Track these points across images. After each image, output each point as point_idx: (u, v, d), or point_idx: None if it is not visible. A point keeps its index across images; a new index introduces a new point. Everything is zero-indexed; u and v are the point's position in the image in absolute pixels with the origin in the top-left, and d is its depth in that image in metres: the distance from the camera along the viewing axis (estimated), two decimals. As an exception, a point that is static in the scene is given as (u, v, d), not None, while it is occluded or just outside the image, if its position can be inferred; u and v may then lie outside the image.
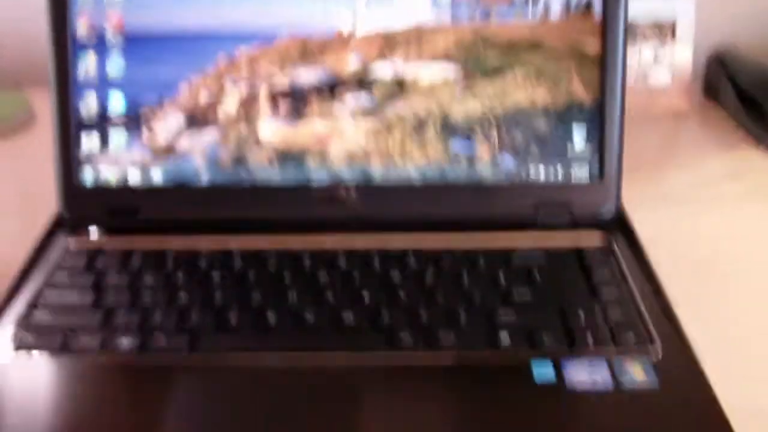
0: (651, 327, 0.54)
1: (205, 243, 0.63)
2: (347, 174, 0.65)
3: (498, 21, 0.65)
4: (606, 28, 0.63)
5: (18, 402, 0.50)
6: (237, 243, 0.63)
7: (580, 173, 0.64)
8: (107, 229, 0.65)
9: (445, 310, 0.56)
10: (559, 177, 0.64)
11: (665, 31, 0.89)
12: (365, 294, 0.57)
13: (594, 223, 0.64)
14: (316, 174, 0.65)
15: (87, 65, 0.65)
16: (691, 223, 0.70)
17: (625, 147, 0.64)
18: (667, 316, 0.55)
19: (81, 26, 0.64)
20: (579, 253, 0.61)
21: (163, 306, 0.57)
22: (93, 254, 0.62)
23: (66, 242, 0.64)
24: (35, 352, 0.53)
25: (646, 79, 0.90)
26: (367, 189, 0.64)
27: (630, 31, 0.89)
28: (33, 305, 0.57)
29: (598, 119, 0.64)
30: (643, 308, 0.56)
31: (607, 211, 0.64)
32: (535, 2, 0.64)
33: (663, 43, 0.90)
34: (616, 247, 0.62)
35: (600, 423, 0.48)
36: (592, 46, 0.63)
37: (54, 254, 0.62)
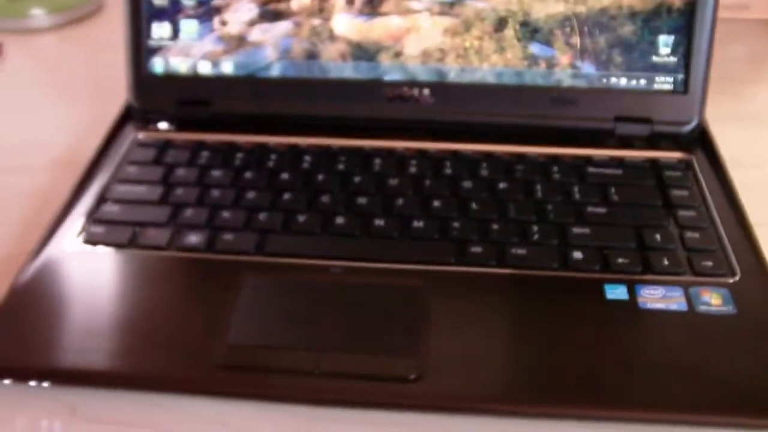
0: (731, 254, 0.52)
1: (275, 140, 0.62)
2: (421, 73, 0.63)
3: None
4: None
5: (87, 295, 0.50)
6: (307, 142, 0.62)
7: (664, 84, 0.62)
8: (177, 122, 0.64)
9: (517, 225, 0.54)
10: (641, 87, 0.62)
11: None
12: (436, 203, 0.56)
13: (675, 139, 0.62)
14: (390, 71, 0.63)
15: (160, -49, 0.63)
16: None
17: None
18: (748, 242, 0.53)
19: None
20: (657, 171, 0.59)
21: (232, 203, 0.56)
22: (162, 147, 0.62)
23: (135, 134, 0.63)
24: (104, 246, 0.53)
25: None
26: (441, 89, 0.63)
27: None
28: (102, 199, 0.57)
29: (687, 26, 0.60)
30: (723, 233, 0.54)
31: (690, 126, 0.61)
32: None
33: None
34: (697, 167, 0.60)
35: (671, 342, 0.47)
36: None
37: (123, 146, 0.62)
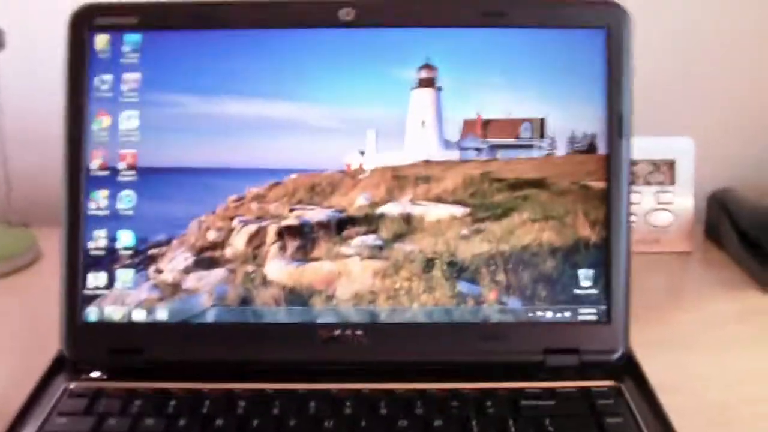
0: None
1: (209, 386, 0.62)
2: (354, 315, 0.64)
3: (504, 158, 0.66)
4: (610, 165, 0.64)
5: None
6: (242, 387, 0.62)
7: (588, 315, 0.64)
8: (109, 371, 0.64)
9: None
10: (567, 319, 0.64)
11: (666, 171, 0.91)
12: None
13: (603, 367, 0.63)
14: (323, 315, 0.64)
15: (98, 202, 0.65)
16: (700, 367, 0.69)
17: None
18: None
19: (95, 163, 0.65)
20: (589, 400, 0.60)
21: (165, 454, 0.55)
22: (93, 397, 0.61)
23: (66, 384, 0.62)
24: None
25: (649, 220, 0.91)
26: (374, 330, 0.64)
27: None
28: (29, 452, 0.56)
29: (604, 260, 0.64)
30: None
31: (616, 354, 0.63)
32: (541, 139, 0.65)
33: (664, 184, 0.91)
34: (627, 393, 0.61)
35: None
36: (597, 183, 0.64)
37: (53, 397, 0.61)
